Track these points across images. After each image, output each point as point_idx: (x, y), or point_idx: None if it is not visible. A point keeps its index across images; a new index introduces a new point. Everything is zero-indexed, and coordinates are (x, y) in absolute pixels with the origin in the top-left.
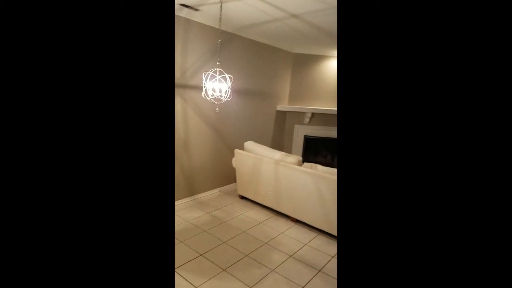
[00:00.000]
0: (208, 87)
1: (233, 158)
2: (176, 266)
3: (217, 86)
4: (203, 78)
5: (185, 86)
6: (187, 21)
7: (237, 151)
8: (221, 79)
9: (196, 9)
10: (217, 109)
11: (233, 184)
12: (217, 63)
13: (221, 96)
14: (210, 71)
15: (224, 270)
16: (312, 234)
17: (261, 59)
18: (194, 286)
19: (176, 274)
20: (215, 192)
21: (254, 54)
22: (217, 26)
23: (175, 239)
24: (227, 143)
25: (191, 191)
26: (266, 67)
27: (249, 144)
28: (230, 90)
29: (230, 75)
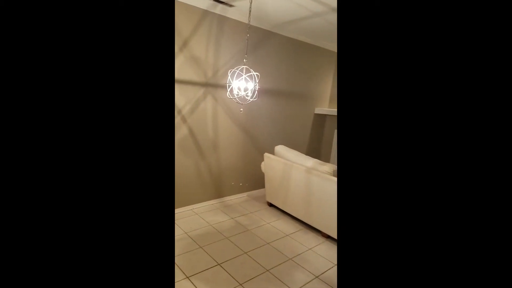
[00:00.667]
0: (234, 86)
1: (263, 162)
2: (190, 273)
3: (243, 85)
4: (229, 76)
5: (216, 86)
6: (221, 18)
7: (266, 155)
8: (247, 78)
9: (230, 5)
10: (241, 109)
11: (262, 190)
12: (244, 60)
13: (247, 96)
14: (237, 69)
15: (240, 284)
16: None
17: (300, 58)
18: None
19: (189, 283)
20: (243, 196)
21: (293, 53)
22: (253, 23)
23: (195, 243)
24: (258, 146)
25: (218, 193)
26: (305, 67)
27: (280, 148)
28: (256, 90)
29: (257, 73)
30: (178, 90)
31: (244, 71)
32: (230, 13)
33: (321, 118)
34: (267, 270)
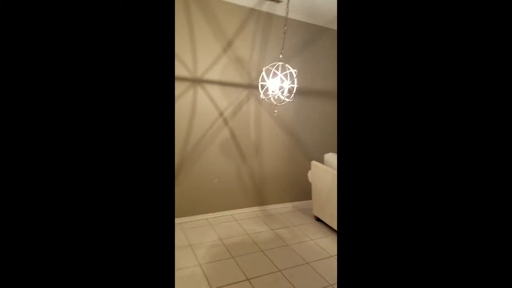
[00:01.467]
0: (269, 86)
1: (309, 171)
2: (215, 285)
3: (277, 84)
4: (263, 74)
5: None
6: (268, 16)
7: (314, 163)
8: (282, 77)
9: (278, 1)
10: (275, 111)
11: (309, 201)
12: (280, 56)
13: (283, 95)
14: (271, 66)
15: None
16: None
17: None
18: None
19: None
20: (287, 206)
21: None
22: (303, 19)
23: (227, 253)
24: (307, 153)
25: (260, 201)
26: None
27: (330, 157)
28: (291, 89)
29: (295, 70)
30: (220, 92)
31: (280, 68)
32: (277, 10)
33: None
34: None
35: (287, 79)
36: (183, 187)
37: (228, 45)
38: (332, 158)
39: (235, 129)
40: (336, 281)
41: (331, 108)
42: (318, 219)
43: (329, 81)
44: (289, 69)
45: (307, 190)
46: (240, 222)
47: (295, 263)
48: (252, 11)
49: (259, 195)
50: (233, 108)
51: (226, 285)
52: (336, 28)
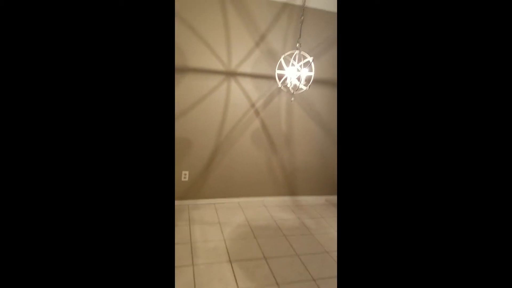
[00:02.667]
0: (287, 74)
1: None
2: (235, 259)
3: (298, 73)
4: (282, 61)
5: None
6: (308, 10)
7: None
8: (298, 66)
9: None
10: (292, 99)
11: None
12: (297, 45)
13: (300, 84)
14: (290, 56)
15: (277, 284)
16: None
17: None
18: (236, 287)
19: (229, 266)
20: (319, 199)
21: None
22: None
23: (251, 233)
24: None
25: (291, 191)
26: None
27: None
28: (309, 77)
29: (311, 58)
30: (252, 84)
31: (297, 58)
32: (312, 2)
33: None
34: (313, 279)
35: (305, 67)
36: (217, 172)
37: (261, 38)
38: None
39: (266, 120)
40: None
41: None
42: None
43: None
44: (305, 58)
45: None
46: (269, 209)
47: (315, 250)
48: (285, 5)
49: (289, 185)
50: (264, 99)
51: (244, 260)
52: None
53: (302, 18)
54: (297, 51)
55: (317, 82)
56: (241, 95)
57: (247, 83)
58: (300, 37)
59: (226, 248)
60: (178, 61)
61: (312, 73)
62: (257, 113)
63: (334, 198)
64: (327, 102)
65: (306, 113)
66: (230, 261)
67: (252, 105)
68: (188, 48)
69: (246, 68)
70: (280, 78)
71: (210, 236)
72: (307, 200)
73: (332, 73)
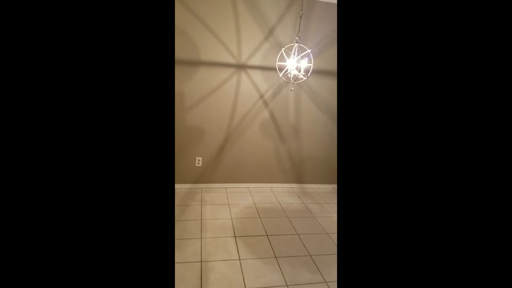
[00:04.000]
0: (288, 65)
1: None
2: (239, 234)
3: (299, 64)
4: (284, 54)
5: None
6: (311, 2)
7: None
8: (296, 58)
9: None
10: (292, 89)
11: None
12: (296, 38)
13: (300, 75)
14: (290, 48)
15: (275, 257)
16: None
17: None
18: (238, 257)
19: (233, 240)
20: (327, 187)
21: None
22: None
23: (257, 213)
24: None
25: (299, 179)
26: None
27: None
28: (309, 68)
29: (310, 50)
30: (261, 76)
31: (296, 50)
32: None
33: None
34: (310, 255)
35: (305, 58)
36: (229, 158)
37: (270, 32)
38: None
39: (274, 110)
40: None
41: None
42: None
43: None
44: (305, 50)
45: None
46: (276, 194)
47: (315, 231)
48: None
49: (297, 174)
50: (273, 91)
51: (248, 236)
52: None
53: (301, 12)
54: (296, 44)
55: (325, 73)
56: (250, 87)
57: (257, 75)
58: (299, 31)
59: (232, 225)
60: (193, 55)
61: (310, 65)
62: (265, 104)
63: None
64: (334, 93)
65: (314, 104)
66: (235, 236)
67: (261, 96)
68: (201, 42)
69: (255, 60)
70: (281, 69)
71: (219, 215)
72: (314, 188)
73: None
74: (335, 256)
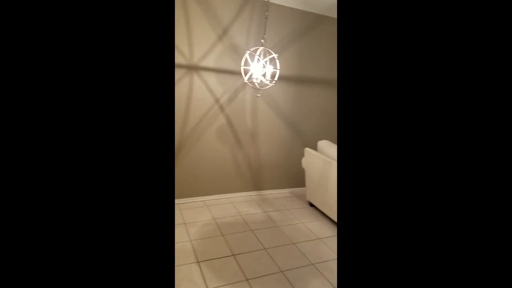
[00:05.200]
0: (253, 70)
1: (303, 158)
2: (202, 259)
3: (264, 70)
4: (248, 58)
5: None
6: (265, 4)
7: (307, 150)
8: (261, 60)
9: None
10: (258, 95)
11: (305, 188)
12: (262, 40)
13: (267, 81)
14: (255, 51)
15: (246, 280)
16: None
17: None
18: (205, 287)
19: (197, 267)
20: (284, 192)
21: None
22: (299, 7)
23: (218, 230)
24: (305, 141)
25: (257, 186)
26: None
27: (323, 144)
28: (273, 73)
29: (276, 55)
30: (216, 79)
31: (262, 54)
32: None
33: None
34: (281, 271)
35: (270, 64)
36: (181, 170)
37: (224, 32)
38: (325, 145)
39: (231, 116)
40: (318, 261)
41: (328, 96)
42: (311, 205)
43: (326, 69)
44: (271, 54)
45: (303, 177)
46: (236, 205)
47: (282, 242)
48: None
49: (255, 181)
50: (229, 95)
51: (212, 259)
52: (333, 16)
53: (266, 13)
54: (262, 47)
55: (280, 78)
56: (204, 90)
57: (211, 78)
58: (265, 33)
59: (193, 248)
60: None
61: (277, 70)
62: (222, 108)
63: (297, 190)
64: (290, 97)
65: (270, 109)
66: (198, 261)
67: (217, 101)
68: None
69: (209, 62)
70: (245, 74)
71: (176, 237)
72: (272, 193)
73: (294, 69)
74: (306, 269)
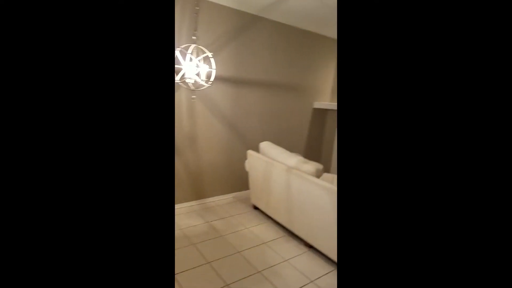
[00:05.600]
0: (185, 69)
1: (246, 160)
2: None
3: (197, 69)
4: (179, 56)
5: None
6: (205, 2)
7: (249, 152)
8: (194, 59)
9: None
10: (193, 96)
11: (249, 191)
12: (193, 37)
13: (202, 81)
14: (186, 48)
15: None
16: (326, 267)
17: (294, 46)
18: None
19: None
20: (228, 197)
21: (285, 40)
22: (233, 6)
23: None
24: (246, 144)
25: (198, 194)
26: (300, 56)
27: (264, 145)
28: (208, 73)
29: (211, 54)
30: None
31: (195, 52)
32: None
33: (321, 113)
34: (226, 285)
35: (204, 63)
36: None
37: None
38: (266, 146)
39: None
40: (264, 268)
41: (269, 99)
42: (255, 208)
43: (266, 72)
44: (204, 52)
45: (247, 180)
46: (176, 218)
47: (226, 253)
48: None
49: (196, 189)
50: None
51: None
52: (269, 18)
53: (197, 8)
54: (194, 45)
55: (217, 79)
56: None
57: None
58: (196, 30)
59: None
60: None
61: (213, 70)
62: None
63: (241, 194)
64: (229, 99)
65: (209, 111)
66: None
67: None
68: None
69: None
70: (176, 73)
71: None
72: (215, 200)
73: (232, 70)
74: (253, 278)
